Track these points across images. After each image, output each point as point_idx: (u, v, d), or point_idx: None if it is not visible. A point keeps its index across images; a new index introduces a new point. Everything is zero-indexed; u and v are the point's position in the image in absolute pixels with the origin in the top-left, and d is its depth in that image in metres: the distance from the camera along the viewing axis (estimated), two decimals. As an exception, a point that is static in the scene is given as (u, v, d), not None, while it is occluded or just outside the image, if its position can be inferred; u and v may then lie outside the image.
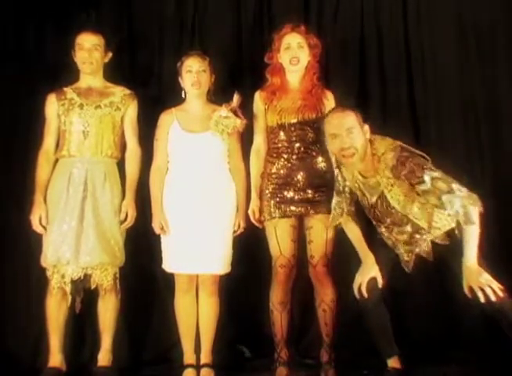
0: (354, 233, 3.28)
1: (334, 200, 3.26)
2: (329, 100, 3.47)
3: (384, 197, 3.11)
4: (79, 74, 3.64)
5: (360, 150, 3.08)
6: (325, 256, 3.33)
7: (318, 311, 3.41)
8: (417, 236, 3.13)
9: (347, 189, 3.24)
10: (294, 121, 3.39)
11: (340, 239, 3.42)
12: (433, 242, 3.13)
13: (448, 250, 3.09)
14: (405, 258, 3.16)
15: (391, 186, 3.08)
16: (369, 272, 3.12)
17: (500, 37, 3.94)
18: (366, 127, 3.14)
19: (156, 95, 3.85)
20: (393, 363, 3.26)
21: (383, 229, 3.20)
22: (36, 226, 3.44)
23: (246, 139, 3.57)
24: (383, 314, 3.23)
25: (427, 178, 2.99)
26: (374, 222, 3.24)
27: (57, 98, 3.57)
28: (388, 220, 3.15)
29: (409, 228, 3.12)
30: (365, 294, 3.08)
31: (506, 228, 3.70)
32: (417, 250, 3.14)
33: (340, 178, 3.25)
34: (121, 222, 3.48)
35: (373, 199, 3.15)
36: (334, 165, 3.29)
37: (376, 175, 3.11)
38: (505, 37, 3.93)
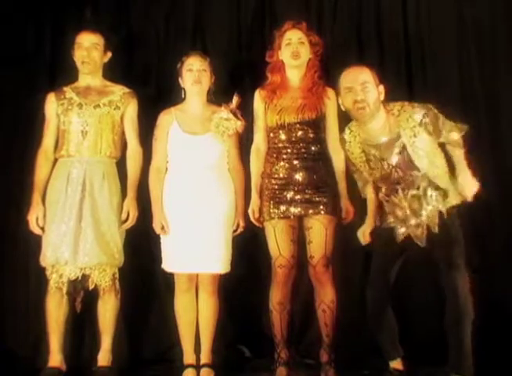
0: (369, 197, 3.37)
1: (357, 176, 3.38)
2: (331, 99, 3.44)
3: (406, 152, 3.14)
4: (78, 74, 3.63)
5: (372, 105, 3.14)
6: (324, 256, 3.32)
7: (318, 311, 3.40)
8: (428, 203, 3.12)
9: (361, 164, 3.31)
10: (295, 120, 3.38)
11: (340, 239, 3.41)
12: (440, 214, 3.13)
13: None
14: (417, 233, 3.12)
15: (414, 136, 3.13)
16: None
17: (500, 35, 3.93)
18: (382, 87, 3.21)
19: (155, 94, 3.85)
20: (395, 364, 3.27)
21: (400, 196, 3.14)
22: (33, 227, 3.44)
23: (246, 138, 3.57)
24: (388, 316, 3.25)
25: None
26: (388, 193, 3.21)
27: (56, 97, 3.57)
28: (407, 180, 3.15)
29: (421, 191, 3.12)
30: (367, 240, 3.27)
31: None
32: (427, 221, 3.11)
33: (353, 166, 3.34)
34: (123, 222, 3.48)
35: (395, 158, 3.17)
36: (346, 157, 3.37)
37: (396, 129, 3.15)
38: (505, 35, 3.93)
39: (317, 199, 3.34)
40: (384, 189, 3.23)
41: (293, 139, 3.39)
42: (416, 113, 3.15)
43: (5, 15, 3.89)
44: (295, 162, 3.37)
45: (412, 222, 3.12)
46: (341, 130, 3.45)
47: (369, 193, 3.36)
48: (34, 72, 3.85)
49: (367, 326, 3.44)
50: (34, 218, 3.43)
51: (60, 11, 3.95)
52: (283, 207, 3.34)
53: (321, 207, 3.33)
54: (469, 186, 3.14)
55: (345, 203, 3.39)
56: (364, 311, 3.61)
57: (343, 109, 3.29)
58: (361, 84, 3.14)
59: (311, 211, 3.33)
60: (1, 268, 3.79)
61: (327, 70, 3.61)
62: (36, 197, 3.46)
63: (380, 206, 3.29)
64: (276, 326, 3.40)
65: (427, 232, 3.09)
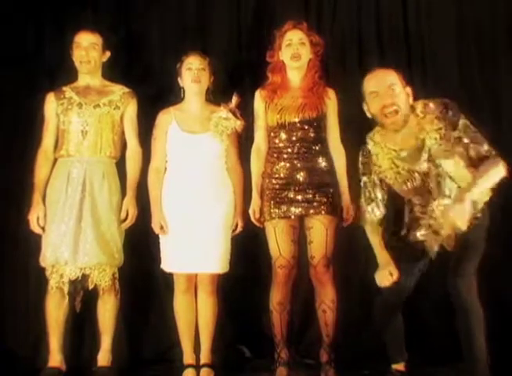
0: (377, 234, 3.15)
1: (369, 208, 3.14)
2: (332, 99, 3.45)
3: (433, 157, 2.93)
4: (78, 74, 3.63)
5: (404, 108, 2.92)
6: (325, 257, 3.32)
7: (318, 311, 3.40)
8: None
9: (379, 193, 3.11)
10: (295, 120, 3.37)
11: (341, 239, 3.41)
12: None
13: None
14: (449, 241, 2.94)
15: (440, 139, 2.91)
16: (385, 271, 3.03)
17: (500, 35, 3.93)
18: (409, 88, 2.99)
19: (155, 94, 3.85)
20: (398, 366, 3.25)
21: (433, 206, 2.94)
22: (34, 227, 3.44)
23: (245, 138, 3.57)
24: (396, 320, 3.21)
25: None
26: (424, 204, 2.99)
27: (56, 97, 3.57)
28: (438, 188, 2.94)
29: (447, 201, 2.92)
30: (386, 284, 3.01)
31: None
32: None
33: (368, 186, 3.12)
34: (122, 221, 3.49)
35: (422, 166, 2.95)
36: (361, 172, 3.17)
37: (420, 135, 2.94)
38: (505, 35, 3.93)
39: (318, 199, 3.34)
40: (418, 202, 3.01)
41: (294, 138, 3.38)
42: (440, 110, 2.93)
43: (5, 15, 3.89)
44: (296, 162, 3.37)
45: (443, 232, 2.94)
46: (341, 130, 3.46)
47: (376, 237, 3.16)
48: (34, 72, 3.85)
49: (367, 326, 3.44)
50: (34, 218, 3.43)
51: (60, 11, 3.95)
52: (283, 207, 3.34)
53: (322, 207, 3.33)
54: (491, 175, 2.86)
55: (346, 203, 3.38)
56: (364, 311, 3.62)
57: (369, 116, 3.06)
58: (388, 86, 2.92)
59: (311, 211, 3.33)
60: (1, 268, 3.79)
61: (327, 70, 3.60)
62: (36, 197, 3.46)
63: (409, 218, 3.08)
64: (276, 326, 3.40)
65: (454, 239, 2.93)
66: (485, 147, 2.94)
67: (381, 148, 3.06)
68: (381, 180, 3.10)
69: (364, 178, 3.15)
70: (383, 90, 2.93)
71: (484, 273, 3.06)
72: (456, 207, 2.77)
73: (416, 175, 2.99)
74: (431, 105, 2.99)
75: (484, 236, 3.02)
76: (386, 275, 3.00)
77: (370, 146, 3.11)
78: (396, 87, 2.94)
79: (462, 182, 2.94)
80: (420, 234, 3.01)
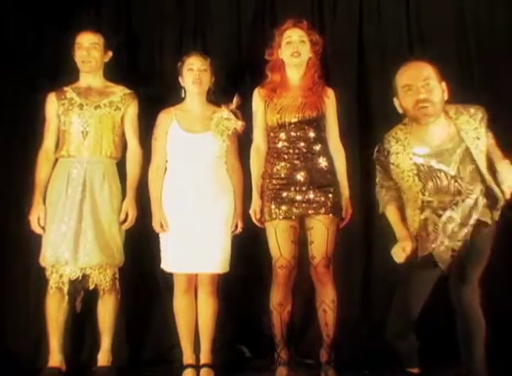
0: (395, 213, 3.04)
1: (379, 191, 3.10)
2: (331, 98, 3.45)
3: (469, 157, 2.86)
4: (79, 74, 3.64)
5: (438, 103, 2.84)
6: (326, 257, 3.31)
7: (318, 311, 3.39)
8: (477, 212, 2.89)
9: (391, 182, 3.04)
10: (295, 119, 3.37)
11: (341, 239, 3.41)
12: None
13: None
14: (459, 245, 2.90)
15: (478, 138, 2.85)
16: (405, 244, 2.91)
17: (500, 35, 3.93)
18: (444, 84, 2.89)
19: (155, 94, 3.85)
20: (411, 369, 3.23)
21: (457, 209, 2.88)
22: (34, 227, 3.44)
23: (245, 139, 3.57)
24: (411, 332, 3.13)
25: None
26: (443, 206, 2.91)
27: (57, 97, 3.57)
28: (465, 191, 2.88)
29: (475, 201, 2.88)
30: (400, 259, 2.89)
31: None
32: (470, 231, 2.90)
33: (382, 180, 3.08)
34: (122, 222, 3.49)
35: (455, 167, 2.87)
36: (378, 170, 3.12)
37: (455, 135, 2.87)
38: (505, 35, 3.93)
39: (318, 199, 3.33)
40: (435, 203, 2.92)
41: (294, 138, 3.38)
42: (474, 113, 2.90)
43: (5, 15, 3.89)
44: (296, 162, 3.37)
45: (459, 236, 2.91)
46: (342, 129, 3.46)
47: (393, 210, 3.05)
48: (34, 72, 3.84)
49: (367, 326, 3.45)
50: (35, 218, 3.44)
51: (60, 11, 3.94)
52: (284, 208, 3.33)
53: (322, 207, 3.32)
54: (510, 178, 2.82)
55: (346, 203, 3.38)
56: (364, 311, 3.63)
57: (400, 111, 2.96)
58: (423, 80, 2.81)
59: (312, 212, 3.33)
60: (1, 268, 3.78)
61: (327, 69, 3.60)
62: (37, 197, 3.46)
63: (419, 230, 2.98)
64: (276, 326, 3.40)
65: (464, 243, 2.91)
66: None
67: (403, 146, 2.96)
68: (395, 181, 3.04)
69: (379, 175, 3.10)
70: (417, 84, 2.83)
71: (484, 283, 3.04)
72: (504, 167, 2.76)
73: (443, 174, 2.90)
74: (462, 108, 2.94)
75: (490, 243, 2.96)
76: (399, 250, 2.88)
77: (390, 144, 3.00)
78: (431, 81, 2.85)
79: (490, 181, 2.90)
80: (432, 245, 2.94)
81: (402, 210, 3.04)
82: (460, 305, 2.91)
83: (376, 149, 3.11)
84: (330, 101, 3.45)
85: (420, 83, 2.82)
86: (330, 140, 3.45)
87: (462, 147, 2.88)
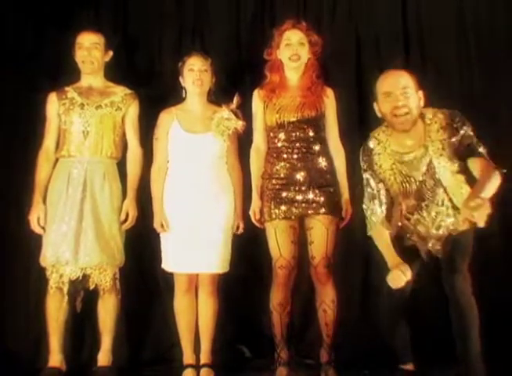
0: (383, 236, 3.08)
1: (368, 207, 3.11)
2: (330, 98, 3.46)
3: (432, 165, 2.96)
4: (80, 74, 3.64)
5: (414, 111, 2.93)
6: (326, 257, 3.31)
7: (318, 311, 3.40)
8: (450, 217, 3.01)
9: (381, 190, 3.08)
10: (294, 119, 3.37)
11: (341, 239, 3.41)
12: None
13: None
14: (437, 247, 3.05)
15: (442, 149, 2.95)
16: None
17: (500, 35, 3.93)
18: (421, 93, 2.99)
19: (156, 94, 3.84)
20: (406, 365, 3.26)
21: (424, 213, 3.02)
22: (34, 227, 3.44)
23: (245, 139, 3.57)
24: (402, 323, 3.22)
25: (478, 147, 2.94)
26: (411, 210, 3.04)
27: (58, 97, 3.57)
28: (431, 196, 3.00)
29: (445, 207, 3.00)
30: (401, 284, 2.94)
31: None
32: (446, 233, 3.03)
33: (372, 181, 3.10)
34: (122, 222, 3.49)
35: (421, 174, 2.99)
36: (363, 168, 3.16)
37: (425, 142, 2.96)
38: (505, 35, 3.93)
39: (318, 199, 3.34)
40: (405, 207, 3.04)
41: (293, 138, 3.38)
42: (448, 124, 2.96)
43: (5, 15, 3.89)
44: (295, 162, 3.37)
45: (433, 239, 3.04)
46: (340, 129, 3.46)
47: (383, 232, 3.08)
48: (34, 72, 3.84)
49: (367, 326, 3.44)
50: (35, 218, 3.44)
51: (60, 11, 3.94)
52: (283, 208, 3.34)
53: (322, 207, 3.33)
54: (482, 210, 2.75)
55: (346, 203, 3.38)
56: (364, 311, 3.62)
57: (379, 115, 3.05)
58: (401, 88, 2.92)
59: (312, 212, 3.33)
60: (1, 268, 3.78)
61: (326, 69, 3.60)
62: (37, 197, 3.46)
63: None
64: (276, 326, 3.40)
65: (444, 243, 3.03)
66: (481, 149, 2.97)
67: (384, 148, 3.07)
68: (382, 179, 3.10)
69: (366, 175, 3.14)
70: (396, 91, 2.93)
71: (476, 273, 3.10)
72: (478, 202, 2.71)
73: (412, 180, 3.02)
74: (440, 115, 3.01)
75: (472, 239, 3.06)
76: (399, 275, 2.92)
77: (373, 144, 3.10)
78: (409, 90, 2.94)
79: (455, 197, 2.98)
80: (409, 241, 3.10)
81: (389, 231, 3.09)
82: (453, 294, 2.98)
83: (362, 149, 3.17)
84: (330, 101, 3.45)
85: (398, 91, 2.93)
86: (330, 140, 3.45)
87: (427, 155, 2.98)
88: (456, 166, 2.99)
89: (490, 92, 3.87)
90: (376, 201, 3.09)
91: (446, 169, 2.97)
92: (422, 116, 3.00)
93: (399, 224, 3.10)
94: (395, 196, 3.08)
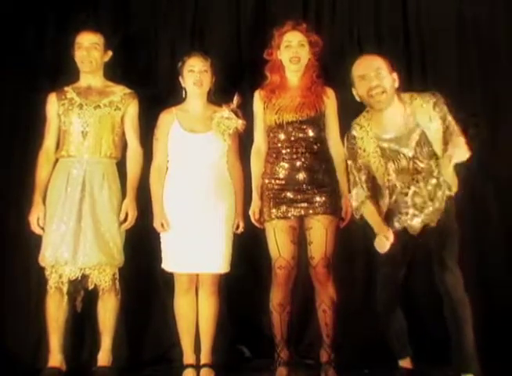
0: (370, 209, 3.18)
1: (353, 193, 3.20)
2: (330, 98, 3.46)
3: (424, 137, 3.09)
4: (79, 74, 3.63)
5: (389, 90, 3.08)
6: (325, 257, 3.32)
7: (318, 311, 3.40)
8: (441, 189, 3.10)
9: (363, 176, 3.18)
10: (293, 119, 3.37)
11: (341, 239, 3.41)
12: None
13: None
14: (433, 218, 3.11)
15: (430, 121, 3.09)
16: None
17: (500, 35, 3.93)
18: (395, 74, 3.14)
19: (155, 94, 3.85)
20: (404, 363, 3.28)
21: (420, 185, 3.10)
22: (34, 227, 3.45)
23: (246, 139, 3.57)
24: (398, 315, 3.26)
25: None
26: (407, 185, 3.12)
27: (57, 97, 3.57)
28: (426, 169, 3.10)
29: (440, 178, 3.09)
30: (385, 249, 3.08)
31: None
32: (439, 207, 3.10)
33: (354, 169, 3.20)
34: (122, 222, 3.49)
35: (411, 149, 3.09)
36: (346, 156, 3.26)
37: (411, 118, 3.10)
38: (505, 35, 3.93)
39: (317, 199, 3.34)
40: (399, 184, 3.12)
41: (293, 138, 3.39)
42: (428, 98, 3.11)
43: (5, 15, 3.89)
44: (295, 162, 3.37)
45: (430, 208, 3.09)
46: (342, 129, 3.46)
47: (369, 206, 3.18)
48: (34, 72, 3.85)
49: (367, 326, 3.44)
50: (35, 219, 3.44)
51: (61, 11, 3.94)
52: (283, 208, 3.34)
53: (321, 207, 3.33)
54: (461, 150, 3.02)
55: (345, 203, 3.38)
56: (364, 311, 3.62)
57: (357, 99, 3.18)
58: (375, 70, 3.07)
59: (311, 212, 3.33)
60: (1, 268, 3.79)
61: (326, 69, 3.61)
62: (37, 197, 3.46)
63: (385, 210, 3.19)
64: (276, 326, 3.40)
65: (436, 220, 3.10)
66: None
67: (366, 131, 3.17)
68: (365, 165, 3.18)
69: (349, 162, 3.24)
70: (370, 74, 3.08)
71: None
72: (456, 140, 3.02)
73: (402, 156, 3.11)
74: (416, 94, 3.16)
75: (454, 222, 3.15)
76: (383, 240, 3.08)
77: (356, 130, 3.20)
78: (382, 71, 3.09)
79: (442, 163, 3.07)
80: (401, 219, 3.14)
81: (376, 205, 3.20)
82: (444, 288, 3.05)
83: (346, 138, 3.27)
84: (330, 101, 3.45)
85: (372, 73, 3.07)
86: (330, 140, 3.45)
87: (418, 130, 3.10)
88: (441, 145, 3.10)
89: (490, 93, 3.87)
90: (359, 187, 3.19)
91: (437, 141, 3.08)
92: (400, 98, 3.14)
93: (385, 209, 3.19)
94: (381, 180, 3.17)
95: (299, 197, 3.34)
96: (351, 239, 3.63)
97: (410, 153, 3.09)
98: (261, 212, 3.39)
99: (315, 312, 3.45)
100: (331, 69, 3.76)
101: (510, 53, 3.89)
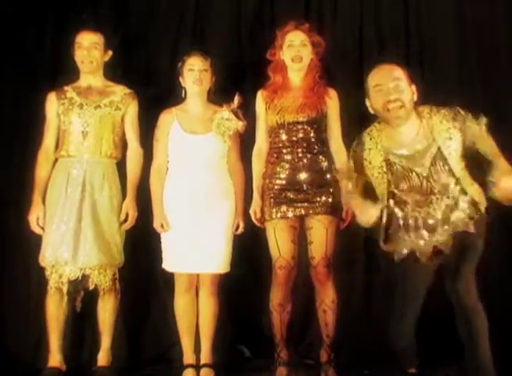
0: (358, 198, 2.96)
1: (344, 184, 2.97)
2: (333, 98, 3.46)
3: (441, 156, 2.85)
4: (79, 73, 3.63)
5: (408, 104, 2.83)
6: (325, 257, 3.32)
7: (318, 311, 3.40)
8: (459, 210, 2.87)
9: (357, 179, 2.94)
10: (294, 120, 3.37)
11: (341, 240, 3.42)
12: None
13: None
14: (444, 239, 2.85)
15: (450, 138, 2.85)
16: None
17: (500, 35, 3.94)
18: (414, 86, 2.90)
19: (156, 94, 3.84)
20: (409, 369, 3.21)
21: (434, 206, 2.86)
22: (34, 227, 3.45)
23: (247, 139, 3.57)
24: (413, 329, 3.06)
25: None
26: (419, 204, 2.89)
27: (57, 97, 3.56)
28: (440, 189, 2.86)
29: (453, 200, 2.86)
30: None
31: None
32: (453, 229, 2.86)
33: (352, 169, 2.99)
34: (122, 223, 3.48)
35: (426, 168, 2.86)
36: (350, 159, 3.07)
37: (429, 134, 2.87)
38: (505, 35, 3.93)
39: (318, 199, 3.34)
40: (411, 202, 2.90)
41: (294, 138, 3.39)
42: (447, 114, 2.89)
43: (5, 15, 3.88)
44: (296, 162, 3.38)
45: (440, 230, 2.85)
46: (343, 130, 3.46)
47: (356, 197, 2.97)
48: (34, 72, 3.85)
49: (367, 326, 3.44)
50: (34, 218, 3.44)
51: (61, 11, 3.94)
52: (283, 208, 3.34)
53: (322, 207, 3.33)
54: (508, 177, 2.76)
55: (346, 204, 3.38)
56: (364, 311, 3.62)
57: (371, 111, 2.96)
58: (393, 80, 2.82)
59: (311, 212, 3.33)
60: (1, 268, 3.79)
61: (328, 70, 3.60)
62: (36, 197, 3.46)
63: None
64: (276, 326, 3.41)
65: (452, 240, 2.84)
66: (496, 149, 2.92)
67: (375, 144, 2.96)
68: (369, 177, 3.00)
69: (350, 163, 3.06)
70: (388, 85, 2.83)
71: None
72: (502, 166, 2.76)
73: (414, 175, 2.90)
74: (435, 109, 2.94)
75: (481, 236, 2.94)
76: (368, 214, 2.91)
77: (366, 140, 3.00)
78: (401, 82, 2.85)
79: (465, 181, 2.89)
80: (413, 241, 2.89)
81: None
82: (458, 300, 2.88)
83: (355, 143, 3.08)
84: (332, 101, 3.45)
85: (390, 84, 2.83)
86: (332, 140, 3.45)
87: (434, 147, 2.88)
88: (463, 163, 2.91)
89: (489, 92, 3.87)
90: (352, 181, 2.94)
91: (456, 160, 2.87)
92: (418, 112, 2.92)
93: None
94: (380, 195, 2.97)
95: (300, 197, 3.35)
96: (351, 239, 3.63)
97: (424, 173, 2.88)
98: (261, 212, 3.39)
99: (315, 312, 3.45)
100: (334, 69, 3.77)
101: (510, 53, 3.89)
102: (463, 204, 2.88)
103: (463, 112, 2.91)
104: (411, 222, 2.90)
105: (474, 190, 2.90)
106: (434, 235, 2.87)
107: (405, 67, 2.94)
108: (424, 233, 2.89)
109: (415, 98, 2.91)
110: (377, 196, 2.99)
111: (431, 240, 2.87)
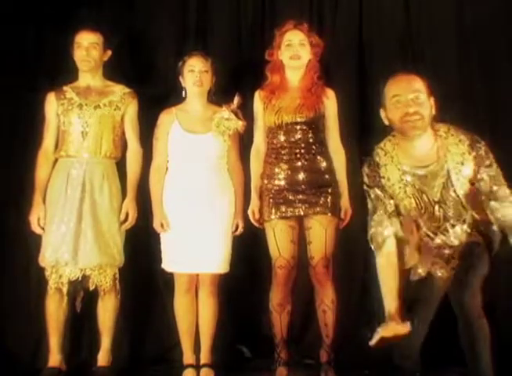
0: (392, 267, 2.73)
1: (373, 226, 2.80)
2: (330, 99, 3.46)
3: (450, 181, 2.73)
4: (78, 73, 3.63)
5: (427, 118, 2.71)
6: (325, 257, 3.32)
7: (318, 311, 3.41)
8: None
9: (393, 206, 2.80)
10: (292, 120, 3.37)
11: (341, 240, 3.42)
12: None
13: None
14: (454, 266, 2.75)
15: (462, 164, 2.72)
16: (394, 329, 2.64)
17: (500, 35, 3.93)
18: (433, 99, 2.77)
19: (156, 94, 3.84)
20: None
21: (450, 234, 2.78)
22: (35, 227, 3.44)
23: (246, 139, 3.57)
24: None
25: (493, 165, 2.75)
26: (434, 231, 2.79)
27: (56, 97, 3.56)
28: (455, 215, 2.75)
29: (465, 226, 2.77)
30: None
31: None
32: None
33: (382, 196, 2.82)
34: (122, 223, 3.48)
35: (437, 193, 2.75)
36: (366, 184, 2.89)
37: (442, 155, 2.74)
38: (505, 35, 3.93)
39: (317, 199, 3.34)
40: (425, 227, 2.79)
41: (292, 139, 3.39)
42: (463, 139, 2.76)
43: (5, 15, 3.88)
44: (295, 163, 3.38)
45: (455, 262, 2.75)
46: (341, 130, 3.46)
47: (392, 276, 2.74)
48: (34, 72, 3.84)
49: (367, 326, 3.43)
50: (35, 219, 3.44)
51: (60, 10, 3.93)
52: (282, 208, 3.34)
53: (321, 207, 3.33)
54: None
55: (345, 203, 3.39)
56: (364, 311, 3.62)
57: (386, 122, 2.83)
58: (413, 92, 2.69)
59: (310, 212, 3.33)
60: (1, 268, 3.79)
61: (327, 71, 3.60)
62: (37, 197, 3.46)
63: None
64: (276, 326, 3.41)
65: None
66: (507, 190, 2.76)
67: (391, 158, 2.82)
68: (390, 195, 2.83)
69: (376, 191, 2.85)
70: (407, 96, 2.71)
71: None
72: None
73: (425, 198, 2.79)
74: (453, 130, 2.82)
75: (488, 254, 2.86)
76: (389, 332, 2.65)
77: (379, 156, 2.85)
78: (421, 95, 2.72)
79: (476, 209, 2.79)
80: (426, 268, 2.77)
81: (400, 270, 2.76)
82: (462, 311, 2.76)
83: (366, 164, 2.92)
84: (330, 102, 3.45)
85: (409, 96, 2.71)
86: (330, 141, 3.45)
87: (445, 170, 2.76)
88: (468, 190, 2.78)
89: (489, 92, 3.88)
90: (394, 219, 2.78)
91: (463, 186, 2.75)
92: (433, 128, 2.80)
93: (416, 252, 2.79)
94: (407, 213, 2.81)
95: (298, 197, 3.35)
96: (351, 239, 3.63)
97: (436, 198, 2.77)
98: (260, 212, 3.39)
99: (314, 313, 3.45)
100: (332, 70, 3.77)
101: (510, 53, 3.89)
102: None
103: (482, 142, 2.80)
104: (425, 251, 2.79)
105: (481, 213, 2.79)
106: (450, 266, 2.76)
107: (424, 78, 2.81)
108: (440, 262, 2.78)
109: (433, 111, 2.79)
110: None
111: (445, 269, 2.76)
